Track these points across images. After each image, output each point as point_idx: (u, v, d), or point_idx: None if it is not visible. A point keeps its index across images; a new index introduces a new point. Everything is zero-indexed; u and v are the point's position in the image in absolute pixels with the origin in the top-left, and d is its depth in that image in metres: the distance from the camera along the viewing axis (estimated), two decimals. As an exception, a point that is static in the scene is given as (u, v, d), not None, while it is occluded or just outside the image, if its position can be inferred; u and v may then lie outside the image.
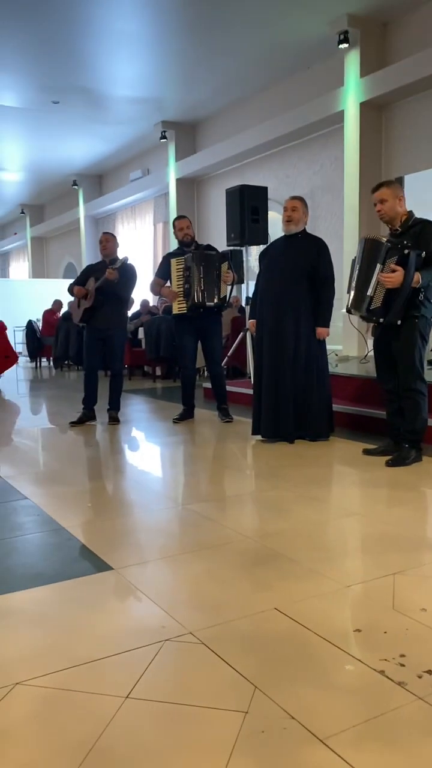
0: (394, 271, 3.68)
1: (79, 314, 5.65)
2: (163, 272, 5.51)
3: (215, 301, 5.27)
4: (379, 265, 3.77)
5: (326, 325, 4.62)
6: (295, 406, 4.59)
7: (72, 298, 5.83)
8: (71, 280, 5.96)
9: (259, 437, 4.74)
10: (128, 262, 5.52)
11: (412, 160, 7.96)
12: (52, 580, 2.33)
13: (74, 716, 1.53)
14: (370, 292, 3.81)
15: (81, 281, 5.69)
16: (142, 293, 12.16)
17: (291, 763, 1.35)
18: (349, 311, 4.03)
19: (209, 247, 5.53)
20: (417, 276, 3.67)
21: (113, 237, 5.78)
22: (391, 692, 1.59)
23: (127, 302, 5.77)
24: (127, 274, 5.51)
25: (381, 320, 3.82)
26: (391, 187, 3.89)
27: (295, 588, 2.21)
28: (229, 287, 5.37)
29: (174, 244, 5.85)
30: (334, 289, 4.68)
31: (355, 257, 4.01)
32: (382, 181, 4.02)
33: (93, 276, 5.60)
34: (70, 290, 5.72)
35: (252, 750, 1.39)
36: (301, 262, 4.59)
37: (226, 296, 5.35)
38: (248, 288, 7.27)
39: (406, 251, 3.69)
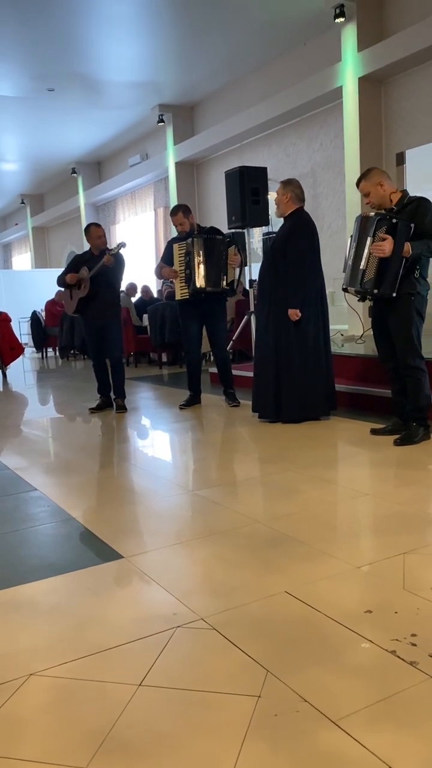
0: (383, 240, 3.71)
1: (73, 305, 5.62)
2: (167, 257, 5.48)
3: (223, 285, 5.21)
4: (369, 238, 3.80)
5: (295, 306, 4.54)
6: (267, 386, 4.73)
7: (61, 289, 5.79)
8: None
9: (257, 415, 4.94)
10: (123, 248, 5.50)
11: (413, 134, 7.85)
12: (64, 571, 2.34)
13: (88, 705, 1.54)
14: (362, 265, 3.85)
15: (71, 272, 5.63)
16: (143, 279, 12.13)
17: (304, 745, 1.35)
18: (345, 290, 4.04)
19: (213, 230, 5.46)
20: (407, 246, 3.68)
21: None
22: (402, 672, 1.59)
23: (118, 290, 5.78)
24: (118, 261, 5.49)
25: (375, 291, 3.82)
26: (367, 179, 3.92)
27: (306, 570, 2.21)
28: (238, 270, 5.33)
29: (175, 230, 5.81)
30: (305, 269, 4.57)
31: (352, 235, 4.02)
32: (360, 175, 4.01)
33: (84, 266, 5.55)
34: (61, 281, 5.67)
35: (265, 733, 1.39)
36: (276, 245, 4.68)
37: (234, 280, 5.29)
38: (251, 271, 7.22)
39: (394, 220, 3.73)
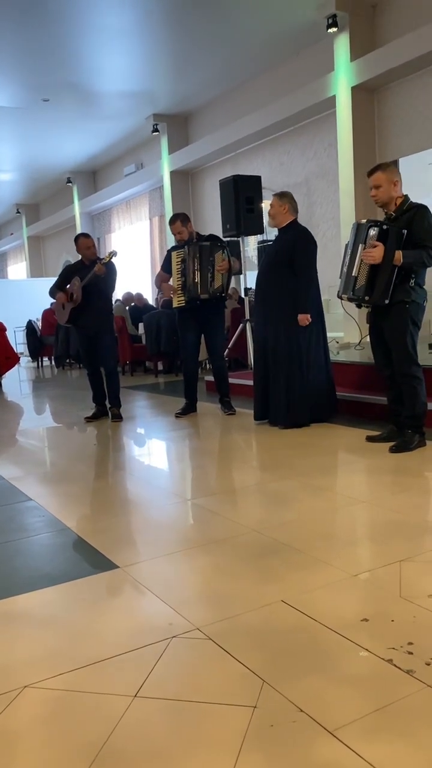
0: (374, 246, 3.71)
1: (66, 315, 5.61)
2: (166, 266, 5.51)
3: (209, 292, 5.22)
4: (361, 245, 3.82)
5: (305, 311, 4.65)
6: (278, 392, 4.76)
7: (53, 301, 5.79)
8: None
9: (262, 422, 4.95)
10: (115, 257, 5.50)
11: (405, 142, 7.89)
12: (59, 581, 2.33)
13: (83, 717, 1.53)
14: (354, 272, 3.86)
15: (62, 284, 5.63)
16: (137, 287, 12.14)
17: (301, 756, 1.35)
18: (340, 297, 4.05)
19: (210, 238, 5.47)
20: (398, 254, 3.67)
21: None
22: (399, 681, 1.58)
23: (111, 299, 5.78)
24: (110, 269, 5.50)
25: (367, 298, 3.82)
26: (386, 172, 3.83)
27: (302, 579, 2.20)
28: (226, 276, 5.28)
29: (170, 238, 5.82)
30: (312, 276, 4.75)
31: (348, 242, 4.02)
32: (378, 164, 3.96)
33: (77, 276, 5.54)
34: (53, 294, 5.67)
35: (262, 745, 1.38)
36: (280, 254, 4.75)
37: (222, 285, 5.27)
38: (246, 279, 7.24)
39: (385, 227, 3.73)
